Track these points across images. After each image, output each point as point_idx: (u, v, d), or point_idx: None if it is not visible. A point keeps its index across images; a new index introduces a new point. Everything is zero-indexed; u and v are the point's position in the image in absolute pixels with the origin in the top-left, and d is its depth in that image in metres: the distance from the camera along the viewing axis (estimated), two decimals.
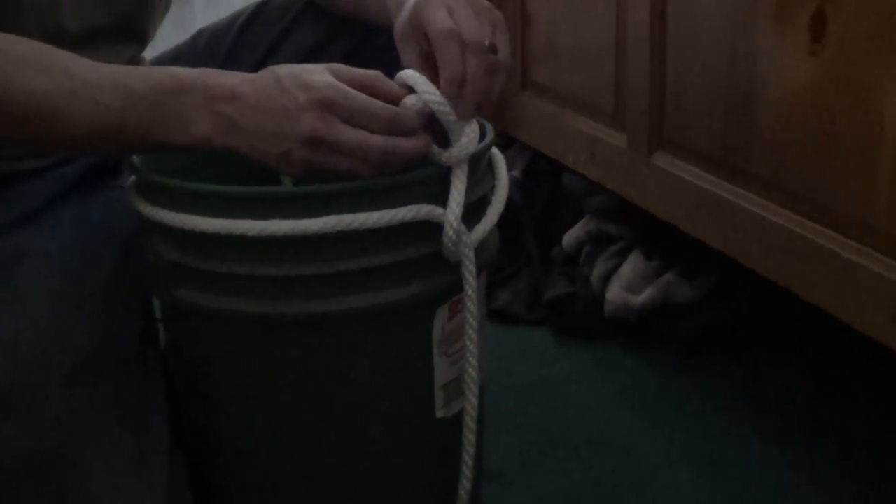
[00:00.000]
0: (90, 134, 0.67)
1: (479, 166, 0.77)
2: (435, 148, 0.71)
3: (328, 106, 0.66)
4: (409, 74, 0.70)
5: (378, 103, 0.68)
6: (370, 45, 0.92)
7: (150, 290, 0.79)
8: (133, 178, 0.77)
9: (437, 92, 0.69)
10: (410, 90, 0.70)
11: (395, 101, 0.69)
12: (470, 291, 0.71)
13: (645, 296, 1.28)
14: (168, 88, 0.68)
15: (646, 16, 1.15)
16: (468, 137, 0.70)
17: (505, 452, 1.09)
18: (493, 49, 0.72)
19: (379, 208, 0.68)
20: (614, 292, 1.31)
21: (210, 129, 0.68)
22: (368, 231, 0.68)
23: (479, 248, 0.73)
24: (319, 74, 0.68)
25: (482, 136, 0.78)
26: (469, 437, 0.75)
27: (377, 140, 0.67)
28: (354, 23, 0.93)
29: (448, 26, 0.70)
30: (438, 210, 0.70)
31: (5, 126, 0.66)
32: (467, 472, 0.76)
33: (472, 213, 0.76)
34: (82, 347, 0.73)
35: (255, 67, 0.73)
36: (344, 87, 0.67)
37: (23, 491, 0.68)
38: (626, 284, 1.30)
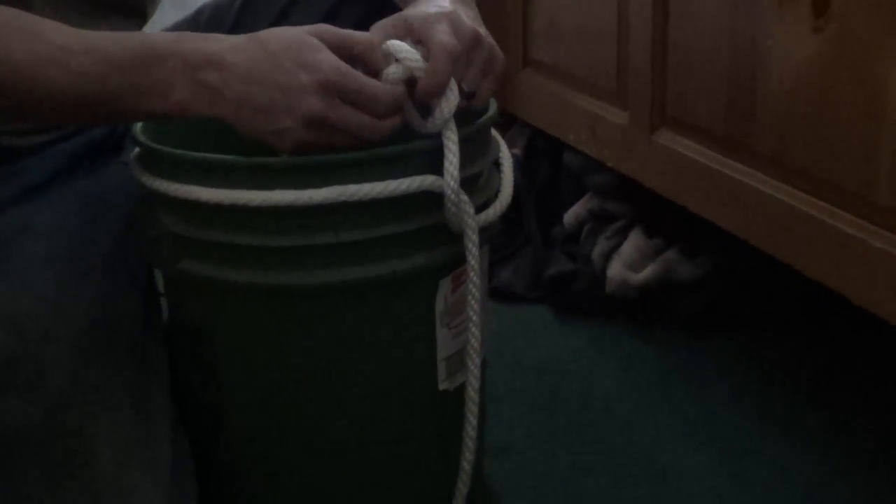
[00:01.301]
0: (69, 102, 0.66)
1: (479, 138, 0.77)
2: (418, 119, 0.71)
3: (334, 90, 0.66)
4: (393, 43, 0.70)
5: (379, 86, 0.68)
6: (382, 14, 0.92)
7: (153, 262, 0.79)
8: (137, 149, 0.76)
9: (420, 59, 0.69)
10: (395, 61, 0.69)
11: (375, 72, 0.69)
12: (472, 261, 0.71)
13: (646, 273, 1.28)
14: (143, 56, 0.66)
15: None
16: (447, 100, 0.69)
17: (507, 429, 1.09)
18: (468, 97, 0.72)
19: (382, 179, 0.68)
20: (615, 270, 1.31)
21: (188, 96, 0.66)
22: (371, 201, 0.68)
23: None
24: (317, 52, 0.66)
25: (487, 109, 0.79)
26: (472, 409, 0.75)
27: (378, 123, 0.68)
28: None
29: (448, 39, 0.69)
30: (440, 179, 0.69)
31: None
32: (470, 445, 0.76)
33: (476, 185, 0.76)
34: (84, 321, 0.73)
35: None
36: (345, 67, 0.66)
37: (26, 465, 0.68)
38: (628, 262, 1.30)
